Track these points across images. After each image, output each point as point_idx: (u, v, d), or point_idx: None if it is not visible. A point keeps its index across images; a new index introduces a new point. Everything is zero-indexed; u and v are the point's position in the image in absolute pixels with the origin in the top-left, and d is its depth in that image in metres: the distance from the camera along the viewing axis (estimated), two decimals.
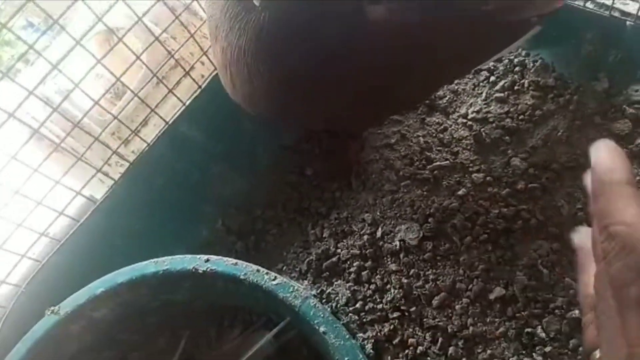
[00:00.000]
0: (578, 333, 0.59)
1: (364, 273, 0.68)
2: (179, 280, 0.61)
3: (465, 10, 0.55)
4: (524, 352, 0.60)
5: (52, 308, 0.61)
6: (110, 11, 0.62)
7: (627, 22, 0.68)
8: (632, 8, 0.68)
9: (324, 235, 0.72)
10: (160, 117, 0.68)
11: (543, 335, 0.60)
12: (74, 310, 0.61)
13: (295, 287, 0.56)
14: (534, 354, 0.59)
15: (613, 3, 0.68)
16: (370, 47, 0.56)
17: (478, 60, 0.63)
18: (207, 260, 0.60)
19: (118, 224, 0.68)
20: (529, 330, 0.60)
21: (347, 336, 0.53)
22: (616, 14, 0.69)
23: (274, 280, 0.57)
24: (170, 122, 0.69)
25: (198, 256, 0.60)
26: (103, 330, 0.63)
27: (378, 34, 0.55)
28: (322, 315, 0.54)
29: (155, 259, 0.61)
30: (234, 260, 0.59)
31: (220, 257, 0.60)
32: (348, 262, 0.69)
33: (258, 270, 0.58)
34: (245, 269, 0.58)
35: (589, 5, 0.68)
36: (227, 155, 0.76)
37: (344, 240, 0.71)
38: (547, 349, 0.59)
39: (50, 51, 0.77)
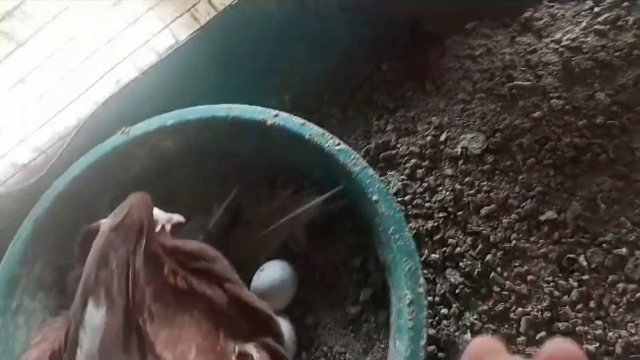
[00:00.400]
0: (620, 270, 0.59)
1: (419, 171, 0.68)
2: (245, 129, 0.63)
3: None
4: (560, 275, 0.60)
5: (124, 129, 0.65)
6: None
7: None
8: None
9: (386, 129, 0.72)
10: None
11: (585, 263, 0.60)
12: (143, 135, 0.64)
13: (356, 156, 0.57)
14: (570, 278, 0.60)
15: None
16: None
17: None
18: (277, 115, 0.61)
19: (196, 68, 0.70)
20: (572, 256, 0.60)
21: (397, 208, 0.54)
22: None
23: (337, 145, 0.58)
24: None
25: (268, 109, 0.62)
26: (164, 161, 0.67)
27: None
28: (377, 186, 0.56)
29: (228, 105, 0.63)
30: (302, 120, 0.61)
31: (289, 114, 0.61)
32: (405, 158, 0.69)
33: (323, 134, 0.59)
34: (311, 130, 0.59)
35: None
36: (306, 34, 0.76)
37: (406, 137, 0.71)
38: (585, 277, 0.59)
39: None
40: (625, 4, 0.72)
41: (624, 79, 0.67)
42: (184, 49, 0.68)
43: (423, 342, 0.49)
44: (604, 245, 0.60)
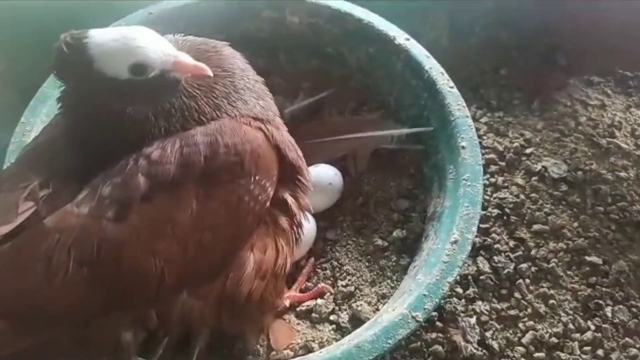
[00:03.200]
0: (638, 337, 0.58)
1: (492, 166, 0.69)
2: (370, 40, 0.65)
3: None
4: (581, 313, 0.60)
5: None
6: None
7: None
8: None
9: (480, 120, 0.74)
10: None
11: (609, 314, 0.59)
12: None
13: (464, 104, 0.59)
14: (589, 321, 0.59)
15: None
16: None
17: None
18: (408, 39, 0.63)
19: None
20: (599, 302, 0.60)
21: (480, 162, 0.55)
22: None
23: (451, 87, 0.60)
24: None
25: (402, 31, 0.64)
26: (277, 35, 0.69)
27: None
28: (470, 135, 0.57)
29: (368, 11, 0.65)
30: (428, 54, 0.62)
31: (418, 43, 0.63)
32: (486, 150, 0.70)
33: (442, 73, 0.61)
34: (434, 65, 0.61)
35: None
36: (454, 6, 0.79)
37: (494, 135, 0.72)
38: (605, 326, 0.59)
39: None
40: None
41: None
42: None
43: (451, 279, 0.49)
44: (633, 309, 0.60)
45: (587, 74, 0.79)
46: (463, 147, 0.56)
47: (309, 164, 0.64)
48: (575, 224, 0.65)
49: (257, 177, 0.44)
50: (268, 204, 0.46)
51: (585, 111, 0.75)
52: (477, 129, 0.72)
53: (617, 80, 0.79)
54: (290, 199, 0.48)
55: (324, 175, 0.62)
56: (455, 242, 0.50)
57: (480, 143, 0.70)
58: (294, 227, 0.49)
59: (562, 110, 0.75)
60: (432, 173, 0.61)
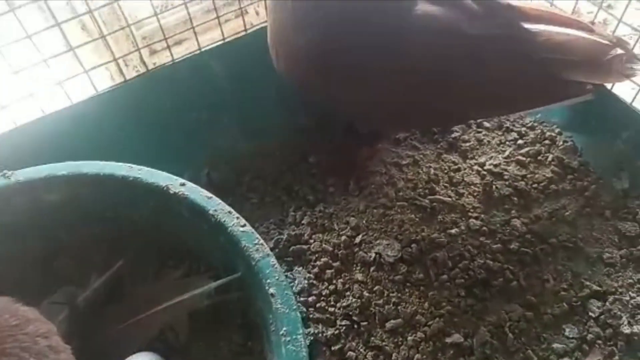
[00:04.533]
0: None
1: (328, 271, 0.64)
2: (145, 195, 0.57)
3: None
4: None
5: (5, 171, 0.57)
6: None
7: None
8: None
9: (302, 222, 0.68)
10: (197, 42, 0.67)
11: None
12: (26, 182, 0.57)
13: (260, 241, 0.52)
14: None
15: None
16: (411, 49, 0.57)
17: (521, 103, 0.63)
18: (183, 185, 0.56)
19: (107, 123, 0.64)
20: None
21: (294, 307, 0.49)
22: None
23: (242, 226, 0.53)
24: (202, 50, 0.67)
25: (175, 177, 0.57)
26: (43, 216, 0.58)
27: (421, 36, 0.56)
28: (277, 277, 0.50)
29: (130, 165, 0.57)
30: (209, 194, 0.56)
31: (197, 186, 0.56)
32: (316, 255, 0.65)
33: (230, 212, 0.54)
34: (218, 206, 0.55)
35: (636, 105, 0.68)
36: (241, 110, 0.74)
37: (321, 234, 0.67)
38: None
39: None
40: (546, 141, 0.75)
41: (539, 210, 0.68)
42: (96, 100, 0.63)
43: None
44: None
45: (392, 133, 0.77)
46: (273, 295, 0.49)
47: (122, 357, 0.55)
48: (427, 304, 0.61)
49: None
50: None
51: (401, 173, 0.73)
52: (302, 234, 0.67)
53: (422, 130, 0.78)
54: None
55: None
56: None
57: (308, 249, 0.66)
58: None
59: (379, 181, 0.72)
60: (258, 321, 0.54)
